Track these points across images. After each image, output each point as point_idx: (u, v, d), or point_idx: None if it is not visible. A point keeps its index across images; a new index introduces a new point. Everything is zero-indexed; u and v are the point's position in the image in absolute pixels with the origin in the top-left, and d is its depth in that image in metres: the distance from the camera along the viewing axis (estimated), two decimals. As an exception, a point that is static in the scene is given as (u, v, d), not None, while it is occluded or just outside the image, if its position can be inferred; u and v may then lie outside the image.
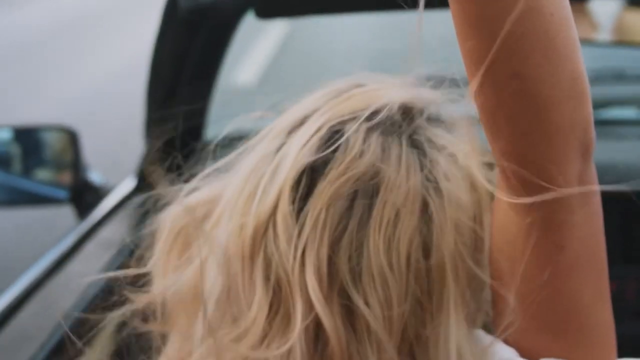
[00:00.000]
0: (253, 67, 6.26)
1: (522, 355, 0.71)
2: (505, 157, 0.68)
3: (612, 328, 0.72)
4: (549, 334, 0.70)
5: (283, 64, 6.26)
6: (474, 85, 0.65)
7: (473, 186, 0.75)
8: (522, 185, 0.68)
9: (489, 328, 0.75)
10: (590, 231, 0.70)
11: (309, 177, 0.74)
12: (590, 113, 0.67)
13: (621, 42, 1.93)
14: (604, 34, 1.85)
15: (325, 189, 0.73)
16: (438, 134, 0.78)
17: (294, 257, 0.71)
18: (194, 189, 0.86)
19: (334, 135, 0.76)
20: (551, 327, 0.70)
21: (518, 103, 0.64)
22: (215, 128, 1.85)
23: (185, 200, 0.84)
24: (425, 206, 0.73)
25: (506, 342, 0.72)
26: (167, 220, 0.84)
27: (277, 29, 6.98)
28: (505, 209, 0.71)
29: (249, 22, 1.55)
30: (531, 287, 0.70)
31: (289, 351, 0.70)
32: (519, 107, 0.64)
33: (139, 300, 0.83)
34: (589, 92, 0.67)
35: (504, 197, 0.70)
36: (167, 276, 0.81)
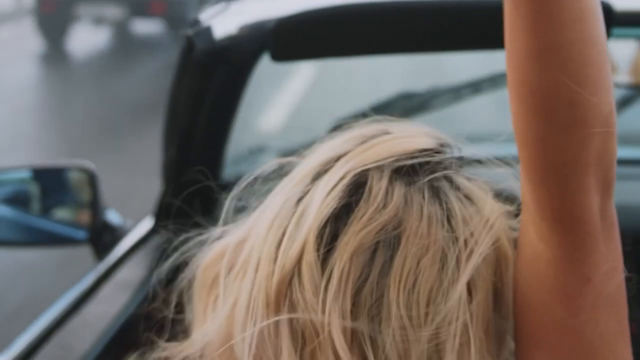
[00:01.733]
0: (280, 110, 6.26)
1: None
2: (543, 197, 0.69)
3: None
4: None
5: (309, 107, 6.26)
6: (517, 118, 0.67)
7: (496, 239, 0.76)
8: (551, 218, 0.69)
9: None
10: (613, 265, 0.71)
11: (333, 226, 0.74)
12: (615, 148, 0.68)
13: (638, 85, 1.94)
14: (621, 76, 1.85)
15: (350, 241, 0.73)
16: (461, 185, 0.78)
17: (322, 311, 0.72)
18: (220, 236, 0.87)
19: (357, 184, 0.76)
20: (573, 356, 0.70)
21: (564, 132, 0.66)
22: (235, 170, 1.86)
23: (213, 247, 0.86)
24: (445, 258, 0.73)
25: None
26: (199, 269, 0.85)
27: (306, 70, 7.00)
28: (534, 244, 0.72)
29: (276, 65, 1.57)
30: (558, 321, 0.70)
31: None
32: (568, 137, 0.66)
33: (174, 349, 0.84)
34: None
35: (531, 227, 0.71)
36: (203, 325, 0.83)
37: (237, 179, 1.04)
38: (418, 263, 0.72)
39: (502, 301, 0.75)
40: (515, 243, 0.77)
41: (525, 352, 0.73)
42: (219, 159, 1.75)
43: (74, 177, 1.95)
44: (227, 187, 0.99)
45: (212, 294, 0.83)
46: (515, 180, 0.79)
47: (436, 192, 0.76)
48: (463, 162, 0.81)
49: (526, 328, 0.73)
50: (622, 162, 2.01)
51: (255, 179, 0.90)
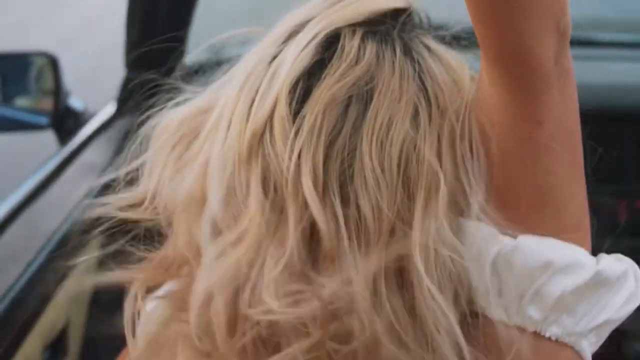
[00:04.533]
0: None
1: (502, 233, 0.73)
2: (485, 37, 0.71)
3: (585, 211, 0.75)
4: (525, 210, 0.73)
5: None
6: None
7: (460, 88, 0.78)
8: (502, 62, 0.71)
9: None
10: (566, 111, 0.73)
11: (306, 82, 0.76)
12: None
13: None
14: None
15: (321, 94, 0.75)
16: (431, 42, 0.80)
17: (290, 159, 0.73)
18: (181, 101, 0.86)
19: (330, 42, 0.78)
20: (527, 202, 0.73)
21: None
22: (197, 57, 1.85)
23: (179, 109, 0.85)
24: (416, 112, 0.75)
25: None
26: (163, 126, 0.85)
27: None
28: (485, 88, 0.74)
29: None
30: (512, 165, 0.73)
31: (285, 250, 0.72)
32: None
33: (132, 196, 0.84)
34: None
35: (484, 72, 0.73)
36: (165, 176, 0.82)
37: (201, 65, 1.05)
38: (390, 116, 0.75)
39: (464, 139, 0.76)
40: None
41: (490, 202, 0.75)
42: (182, 43, 1.74)
43: (35, 63, 1.93)
44: (191, 73, 0.99)
45: (175, 152, 0.83)
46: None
47: (408, 50, 0.78)
48: (432, 24, 0.83)
49: (489, 172, 0.75)
50: (625, 45, 2.05)
51: (220, 59, 0.89)
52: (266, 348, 0.75)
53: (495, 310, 0.74)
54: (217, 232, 0.76)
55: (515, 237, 0.73)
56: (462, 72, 0.79)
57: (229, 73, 0.83)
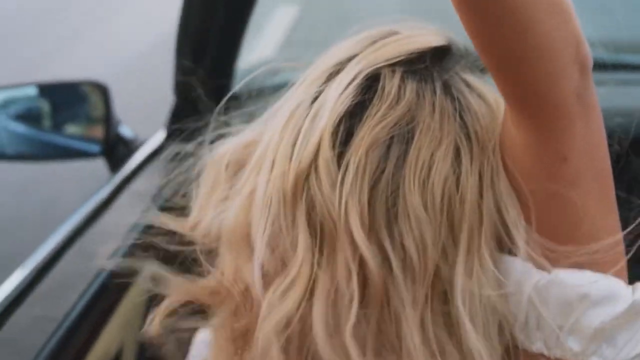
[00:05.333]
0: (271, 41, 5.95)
1: (537, 267, 0.74)
2: (503, 84, 0.72)
3: (619, 241, 0.75)
4: (558, 244, 0.73)
5: (302, 32, 5.96)
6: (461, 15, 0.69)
7: (498, 124, 0.79)
8: (522, 105, 0.72)
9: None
10: (591, 144, 0.73)
11: (348, 124, 0.77)
12: (577, 29, 0.69)
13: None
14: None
15: (364, 136, 0.76)
16: (470, 77, 0.81)
17: (339, 203, 0.74)
18: (231, 134, 0.90)
19: (370, 82, 0.79)
20: (560, 236, 0.73)
21: (499, 26, 0.68)
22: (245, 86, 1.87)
23: (226, 143, 0.88)
24: (457, 151, 0.76)
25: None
26: (211, 160, 0.88)
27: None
28: (510, 131, 0.74)
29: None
30: (539, 200, 0.74)
31: (336, 290, 0.74)
32: (502, 30, 0.68)
33: (181, 227, 0.87)
34: (573, 9, 0.69)
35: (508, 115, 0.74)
36: (211, 207, 0.85)
37: (249, 92, 1.07)
38: (432, 155, 0.75)
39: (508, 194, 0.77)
40: None
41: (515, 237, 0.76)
42: (231, 72, 1.77)
43: (86, 92, 1.96)
44: (239, 98, 1.02)
45: (219, 186, 0.86)
46: None
47: (448, 88, 0.79)
48: (471, 59, 0.83)
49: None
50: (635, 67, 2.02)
51: (264, 90, 0.91)
52: None
53: (535, 344, 0.74)
54: (264, 274, 0.78)
55: (549, 271, 0.73)
56: (499, 107, 0.79)
57: (274, 108, 0.85)
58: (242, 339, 0.81)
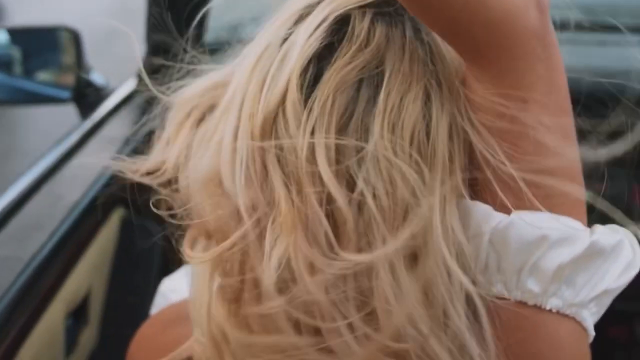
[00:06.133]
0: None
1: (497, 209, 0.74)
2: (456, 36, 0.71)
3: (580, 183, 0.76)
4: (517, 189, 0.74)
5: None
6: None
7: None
8: (480, 54, 0.72)
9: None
10: (552, 86, 0.73)
11: (316, 66, 0.77)
12: None
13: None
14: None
15: (332, 77, 0.75)
16: None
17: (303, 139, 0.74)
18: (197, 75, 0.89)
19: (340, 24, 0.78)
20: (519, 181, 0.73)
21: None
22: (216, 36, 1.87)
23: (193, 85, 0.88)
24: (427, 95, 0.76)
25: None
26: (181, 98, 0.87)
27: None
28: (472, 87, 0.74)
29: None
30: (501, 146, 0.74)
31: (314, 230, 0.74)
32: None
33: (149, 163, 0.87)
34: None
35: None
36: (182, 149, 0.85)
37: (221, 44, 1.07)
38: (401, 99, 0.75)
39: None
40: None
41: (482, 184, 0.76)
42: (202, 20, 1.76)
43: (57, 38, 1.95)
44: (212, 50, 1.01)
45: (187, 127, 0.85)
46: None
47: (418, 32, 0.79)
48: None
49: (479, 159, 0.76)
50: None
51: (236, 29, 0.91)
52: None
53: (495, 286, 0.75)
54: (240, 217, 0.78)
55: (509, 213, 0.74)
56: None
57: (243, 52, 0.84)
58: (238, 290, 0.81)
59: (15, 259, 1.27)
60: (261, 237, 0.76)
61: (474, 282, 0.75)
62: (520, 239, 0.74)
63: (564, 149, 0.74)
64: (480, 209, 0.75)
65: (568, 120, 0.75)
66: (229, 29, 1.95)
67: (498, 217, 0.74)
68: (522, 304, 0.75)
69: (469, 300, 0.75)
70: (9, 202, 1.39)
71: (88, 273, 1.48)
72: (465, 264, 0.75)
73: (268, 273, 0.75)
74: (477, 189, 0.76)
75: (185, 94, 0.87)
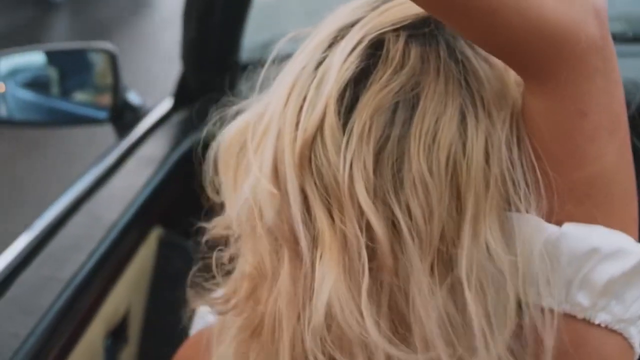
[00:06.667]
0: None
1: (547, 221, 0.74)
2: (514, 53, 0.71)
3: (633, 199, 0.75)
4: (573, 199, 0.74)
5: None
6: None
7: (505, 86, 0.79)
8: (538, 68, 0.72)
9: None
10: (611, 98, 0.73)
11: (352, 90, 0.77)
12: None
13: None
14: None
15: (369, 102, 0.76)
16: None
17: (344, 168, 0.75)
18: (240, 111, 0.90)
19: (374, 47, 0.78)
20: (575, 191, 0.74)
21: None
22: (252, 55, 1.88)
23: (234, 122, 0.88)
24: (463, 116, 0.76)
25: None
26: (223, 147, 0.89)
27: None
28: (529, 103, 0.75)
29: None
30: (557, 155, 0.74)
31: (349, 257, 0.75)
32: None
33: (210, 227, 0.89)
34: None
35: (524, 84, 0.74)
36: (229, 191, 0.86)
37: (256, 62, 1.08)
38: (437, 120, 0.75)
39: (521, 151, 0.77)
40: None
41: (543, 188, 0.75)
42: (237, 40, 1.78)
43: (94, 59, 1.97)
44: (246, 68, 1.02)
45: (238, 168, 0.86)
46: None
47: (452, 51, 0.79)
48: None
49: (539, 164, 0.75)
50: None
51: (274, 57, 0.91)
52: None
53: (545, 299, 0.74)
54: (278, 245, 0.79)
55: (561, 225, 0.74)
56: (508, 71, 0.79)
57: (278, 78, 0.84)
58: (257, 324, 0.82)
59: (56, 279, 1.28)
60: (309, 271, 0.77)
61: (523, 295, 0.75)
62: (572, 252, 0.73)
63: (619, 163, 0.74)
64: (531, 221, 0.75)
65: (624, 134, 0.75)
66: (262, 47, 1.96)
67: (550, 229, 0.74)
68: (570, 317, 0.74)
69: (516, 312, 0.75)
70: (48, 222, 1.40)
71: (127, 293, 1.48)
72: (509, 277, 0.74)
73: (316, 312, 0.75)
74: (529, 200, 0.75)
75: (228, 136, 0.88)
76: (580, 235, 0.73)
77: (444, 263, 0.75)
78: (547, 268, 0.74)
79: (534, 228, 0.74)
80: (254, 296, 0.83)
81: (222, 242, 0.90)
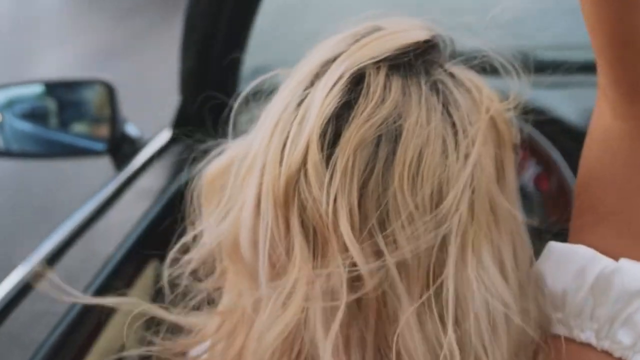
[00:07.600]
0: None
1: (602, 253, 0.74)
2: (610, 74, 0.72)
3: None
4: (630, 238, 0.73)
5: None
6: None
7: (494, 125, 0.79)
8: (630, 92, 0.72)
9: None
10: None
11: (335, 125, 0.76)
12: None
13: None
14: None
15: (351, 136, 0.75)
16: (456, 72, 0.80)
17: (327, 203, 0.74)
18: (225, 148, 0.90)
19: (355, 81, 0.78)
20: (633, 226, 0.73)
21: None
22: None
23: (218, 159, 0.89)
24: (445, 146, 0.75)
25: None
26: (204, 180, 0.89)
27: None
28: (608, 124, 0.75)
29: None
30: (625, 186, 0.74)
31: (332, 293, 0.74)
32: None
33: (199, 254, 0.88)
34: None
35: (607, 109, 0.75)
36: (209, 227, 0.86)
37: (255, 93, 1.07)
38: (420, 151, 0.75)
39: (504, 183, 0.78)
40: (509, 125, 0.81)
41: (587, 228, 0.76)
42: (236, 70, 1.77)
43: (92, 91, 1.97)
44: (248, 99, 1.01)
45: (219, 204, 0.86)
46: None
47: (433, 82, 0.78)
48: (456, 52, 0.83)
49: (588, 203, 0.76)
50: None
51: (261, 90, 0.92)
52: None
53: (585, 332, 0.74)
54: (258, 282, 0.78)
55: (617, 259, 0.73)
56: (481, 98, 0.79)
57: (262, 115, 0.84)
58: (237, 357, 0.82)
59: (51, 313, 1.27)
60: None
61: (544, 329, 0.75)
62: (623, 287, 0.73)
63: None
64: (585, 252, 0.74)
65: None
66: (253, 73, 1.96)
67: (604, 262, 0.74)
68: (607, 354, 0.74)
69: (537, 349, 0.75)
70: (45, 255, 1.39)
71: (122, 327, 1.46)
72: (507, 316, 0.74)
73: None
74: (582, 230, 0.75)
75: (211, 171, 0.89)
76: (633, 271, 0.73)
77: (434, 295, 0.74)
78: (594, 301, 0.73)
79: (589, 259, 0.74)
80: (233, 334, 0.83)
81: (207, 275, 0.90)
